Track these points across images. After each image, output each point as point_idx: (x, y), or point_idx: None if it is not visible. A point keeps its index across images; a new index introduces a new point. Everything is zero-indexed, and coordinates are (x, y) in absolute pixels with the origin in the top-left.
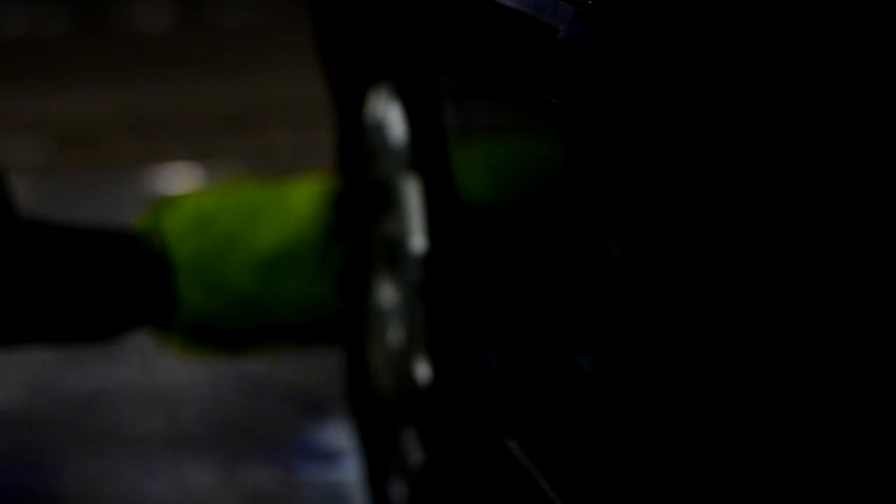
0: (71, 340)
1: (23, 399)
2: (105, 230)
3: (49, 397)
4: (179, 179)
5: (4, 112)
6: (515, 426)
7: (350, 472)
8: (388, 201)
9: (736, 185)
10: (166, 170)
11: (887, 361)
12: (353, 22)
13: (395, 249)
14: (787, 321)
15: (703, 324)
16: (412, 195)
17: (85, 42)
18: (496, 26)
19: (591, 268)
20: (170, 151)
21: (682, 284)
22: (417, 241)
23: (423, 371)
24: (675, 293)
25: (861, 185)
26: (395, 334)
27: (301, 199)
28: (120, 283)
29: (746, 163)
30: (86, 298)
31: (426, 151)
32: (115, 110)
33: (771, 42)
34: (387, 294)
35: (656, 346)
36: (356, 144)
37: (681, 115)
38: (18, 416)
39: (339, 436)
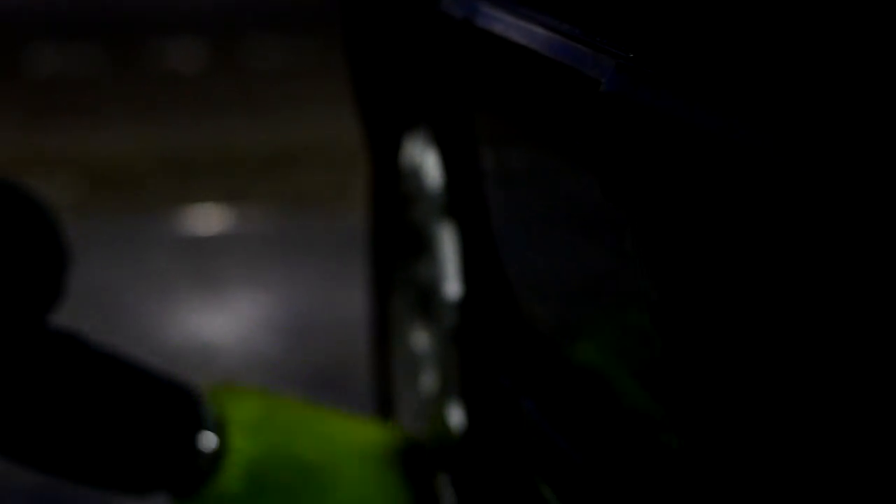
0: (85, 481)
1: None
2: (170, 380)
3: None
4: (211, 221)
5: (36, 151)
6: (551, 473)
7: None
8: (423, 247)
9: (774, 241)
10: (198, 211)
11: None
12: (391, 67)
13: (428, 295)
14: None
15: (738, 367)
16: (447, 241)
17: (118, 81)
18: (535, 75)
19: (626, 316)
20: (201, 193)
21: (719, 333)
22: (452, 287)
23: (456, 417)
24: (711, 341)
25: None
26: (427, 380)
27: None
28: (161, 439)
29: (785, 220)
30: (121, 444)
31: (463, 197)
32: (147, 150)
33: (816, 97)
34: (419, 340)
35: (697, 394)
36: (391, 189)
37: (722, 170)
38: None
39: None
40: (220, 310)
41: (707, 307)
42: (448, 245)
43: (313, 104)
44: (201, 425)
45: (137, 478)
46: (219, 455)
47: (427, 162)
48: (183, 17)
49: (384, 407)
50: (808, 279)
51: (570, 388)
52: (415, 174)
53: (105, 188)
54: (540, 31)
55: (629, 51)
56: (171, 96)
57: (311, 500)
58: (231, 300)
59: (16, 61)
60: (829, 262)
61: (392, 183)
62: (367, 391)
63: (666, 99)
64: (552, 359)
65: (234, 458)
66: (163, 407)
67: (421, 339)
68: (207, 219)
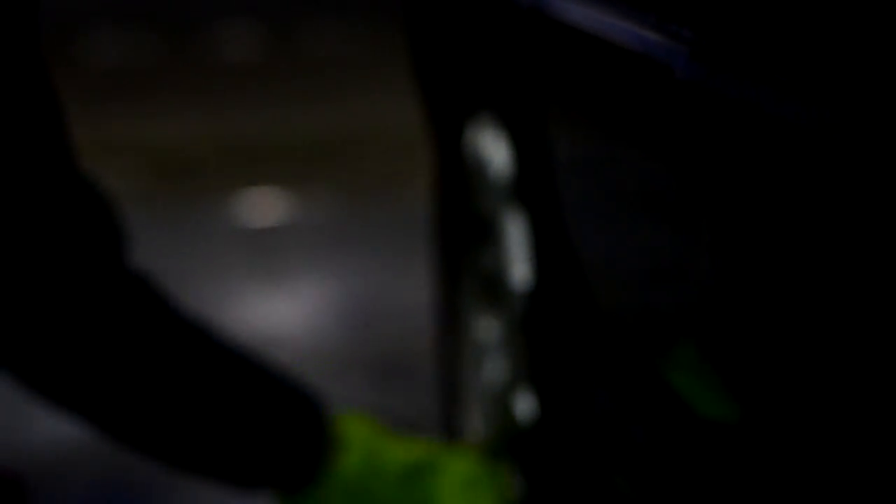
0: (198, 472)
1: None
2: (293, 386)
3: None
4: (271, 208)
5: (96, 138)
6: (625, 466)
7: None
8: (488, 234)
9: (854, 230)
10: (258, 198)
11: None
12: (455, 53)
13: (494, 283)
14: None
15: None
16: (514, 229)
17: (176, 69)
18: (605, 63)
19: (701, 311)
20: (261, 179)
21: (799, 334)
22: (519, 275)
23: (524, 407)
24: (793, 329)
25: None
26: (493, 368)
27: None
28: (280, 438)
29: (862, 207)
30: (238, 438)
31: (532, 185)
32: (206, 137)
33: (887, 82)
34: (484, 328)
35: (774, 387)
36: (455, 177)
37: (798, 156)
38: (111, 447)
39: None
40: (281, 297)
41: (787, 292)
42: (515, 233)
43: (371, 90)
44: (320, 432)
45: (249, 472)
46: (326, 465)
47: (493, 149)
48: (240, 4)
49: (450, 395)
50: (890, 266)
51: (644, 379)
52: (480, 161)
53: (164, 176)
54: (610, 18)
55: (703, 37)
56: (230, 83)
57: None
58: (293, 287)
59: (74, 50)
60: None
61: (456, 170)
62: (432, 379)
63: (740, 86)
64: (626, 349)
65: (338, 473)
66: (286, 407)
67: (488, 327)
68: (267, 206)
